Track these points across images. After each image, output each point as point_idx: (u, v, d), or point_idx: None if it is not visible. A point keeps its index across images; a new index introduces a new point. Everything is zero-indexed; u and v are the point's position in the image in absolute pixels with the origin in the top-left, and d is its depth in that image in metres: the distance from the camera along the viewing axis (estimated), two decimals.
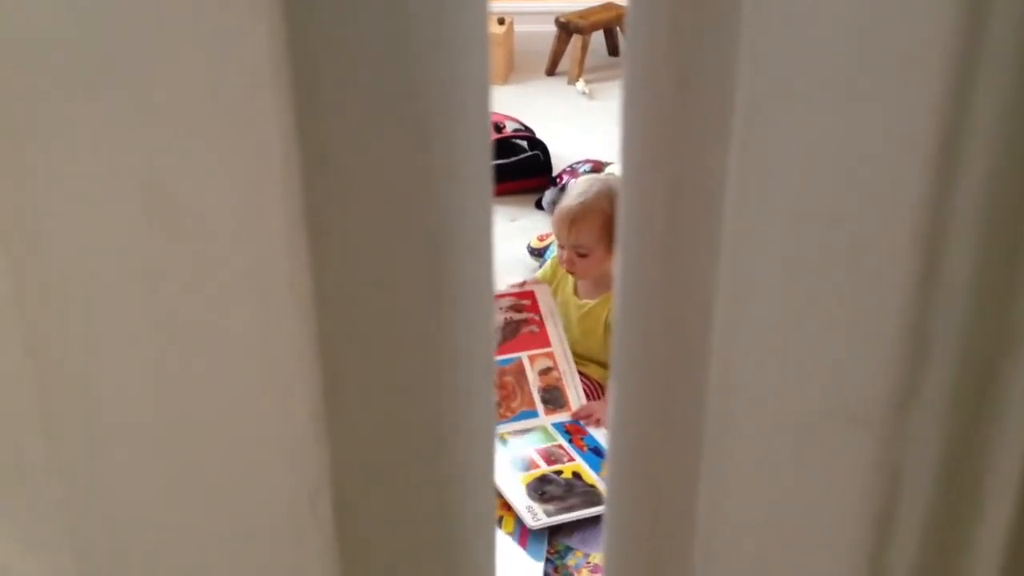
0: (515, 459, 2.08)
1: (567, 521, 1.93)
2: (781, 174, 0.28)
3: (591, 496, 1.99)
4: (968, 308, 0.25)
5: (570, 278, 2.35)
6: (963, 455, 0.26)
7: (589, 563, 1.90)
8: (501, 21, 4.42)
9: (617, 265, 0.34)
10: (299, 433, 0.33)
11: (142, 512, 0.39)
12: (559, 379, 2.27)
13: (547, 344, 2.30)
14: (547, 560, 1.89)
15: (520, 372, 2.25)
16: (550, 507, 1.95)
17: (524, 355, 2.27)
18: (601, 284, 2.28)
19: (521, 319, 2.32)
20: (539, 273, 2.51)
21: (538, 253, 3.03)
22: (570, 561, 1.92)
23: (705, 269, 0.30)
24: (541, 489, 2.00)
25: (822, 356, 0.27)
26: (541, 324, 2.32)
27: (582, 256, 2.21)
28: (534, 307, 2.34)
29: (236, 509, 0.36)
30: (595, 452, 2.13)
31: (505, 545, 1.89)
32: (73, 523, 0.42)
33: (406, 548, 0.36)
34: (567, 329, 2.34)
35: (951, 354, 0.25)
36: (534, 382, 2.25)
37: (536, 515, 1.93)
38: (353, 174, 0.32)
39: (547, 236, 3.02)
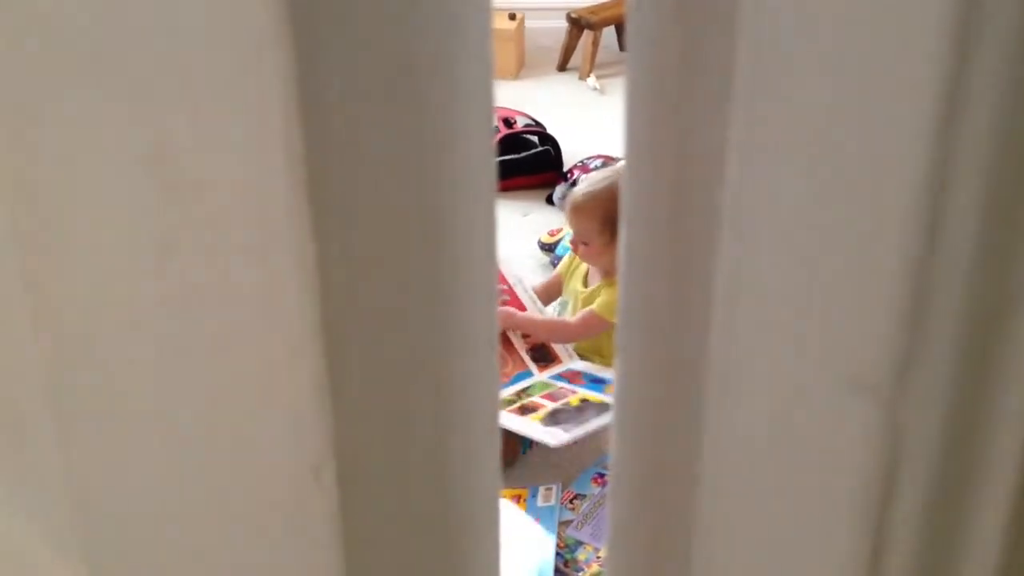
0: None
1: (591, 432, 1.94)
2: (782, 143, 0.28)
3: (604, 409, 2.01)
4: (970, 271, 0.24)
5: (580, 271, 2.40)
6: (966, 419, 0.26)
7: (599, 557, 1.90)
8: (512, 16, 4.42)
9: (622, 239, 0.34)
10: (302, 404, 0.33)
11: (145, 483, 0.40)
12: None
13: (522, 309, 2.35)
14: (557, 554, 1.89)
15: (506, 340, 2.30)
16: (568, 426, 1.97)
17: None
18: (608, 272, 2.32)
19: None
20: (559, 266, 2.55)
21: (549, 248, 3.03)
22: (580, 555, 1.92)
23: (709, 240, 0.30)
24: (554, 419, 2.02)
25: (825, 322, 0.27)
26: (511, 292, 2.37)
27: (584, 243, 2.26)
28: (500, 279, 2.38)
29: (239, 479, 0.36)
30: (594, 382, 2.15)
31: (518, 519, 1.90)
32: (78, 494, 0.42)
33: (409, 520, 0.36)
34: (575, 315, 2.37)
35: (953, 318, 0.25)
36: (520, 345, 2.28)
37: (556, 435, 1.94)
38: (356, 143, 0.32)
39: (558, 231, 3.03)
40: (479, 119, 0.35)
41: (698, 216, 0.31)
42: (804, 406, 0.28)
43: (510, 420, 2.00)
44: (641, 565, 0.37)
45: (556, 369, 2.25)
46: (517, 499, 1.98)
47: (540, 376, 2.22)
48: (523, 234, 3.10)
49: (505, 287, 2.37)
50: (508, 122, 3.52)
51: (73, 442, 0.41)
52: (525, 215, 3.27)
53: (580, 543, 1.92)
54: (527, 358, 2.26)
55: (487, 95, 0.35)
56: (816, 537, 0.29)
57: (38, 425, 0.42)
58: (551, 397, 2.13)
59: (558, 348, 2.28)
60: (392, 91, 0.32)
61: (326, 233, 0.32)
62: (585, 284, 2.38)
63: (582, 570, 1.87)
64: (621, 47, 4.67)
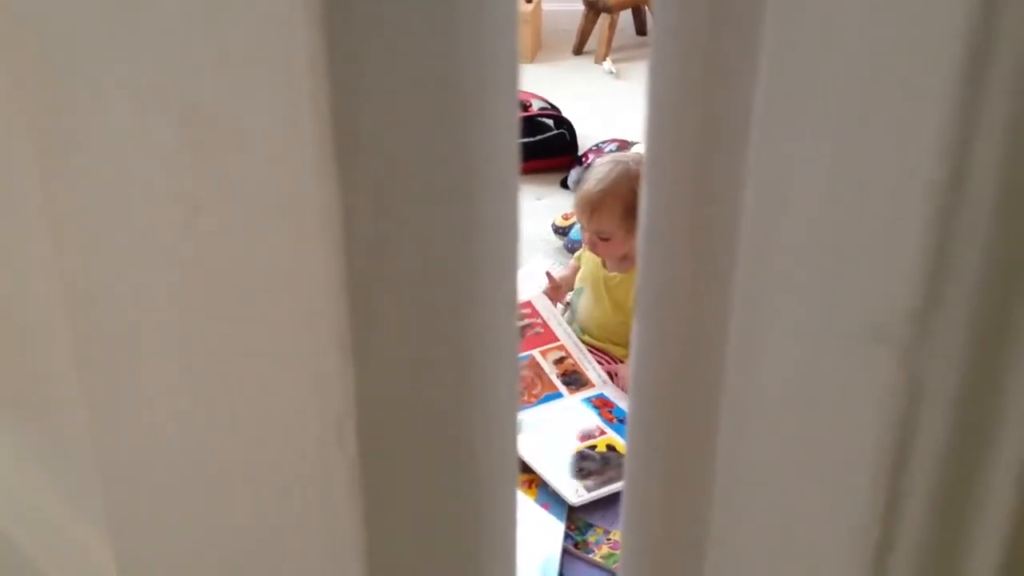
0: (550, 439, 2.09)
1: (610, 494, 1.93)
2: (809, 99, 0.28)
3: None
4: (991, 222, 0.25)
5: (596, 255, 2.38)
6: (983, 369, 0.27)
7: (609, 540, 1.90)
8: None
9: (644, 199, 0.34)
10: (326, 359, 0.33)
11: (167, 439, 0.40)
12: (575, 364, 2.28)
13: (555, 339, 2.33)
14: (567, 535, 1.90)
15: (535, 366, 2.26)
16: (589, 482, 1.96)
17: (535, 351, 2.29)
18: (629, 259, 2.29)
19: (524, 324, 2.34)
20: (577, 254, 2.54)
21: (563, 232, 3.02)
22: (591, 537, 1.92)
23: (733, 198, 0.30)
24: (578, 466, 2.01)
25: (846, 273, 0.27)
26: (545, 325, 2.35)
27: (604, 240, 2.23)
28: (534, 314, 2.37)
29: (262, 435, 0.37)
30: (624, 423, 2.13)
31: (527, 506, 1.90)
32: (101, 452, 0.42)
33: (429, 475, 0.37)
34: (598, 301, 2.35)
35: (973, 269, 0.25)
36: (551, 371, 2.26)
37: (578, 491, 1.94)
38: (383, 104, 0.32)
39: (572, 215, 3.02)
40: (506, 81, 0.35)
41: (721, 177, 0.31)
42: (823, 356, 0.28)
43: (535, 459, 1.99)
44: (657, 528, 0.37)
45: (588, 393, 2.23)
46: (529, 484, 1.98)
47: (571, 399, 2.21)
48: (537, 217, 3.09)
49: (539, 320, 2.36)
50: (523, 105, 3.51)
51: (97, 399, 0.41)
52: (539, 199, 3.27)
53: (591, 525, 1.93)
54: (558, 382, 2.25)
55: (512, 54, 0.35)
56: (833, 488, 0.29)
57: (63, 383, 0.42)
58: (578, 431, 2.11)
59: (591, 375, 2.26)
60: (422, 49, 0.32)
61: (354, 193, 0.32)
62: (605, 266, 2.36)
63: (592, 552, 1.87)
64: (638, 31, 4.65)
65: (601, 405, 2.20)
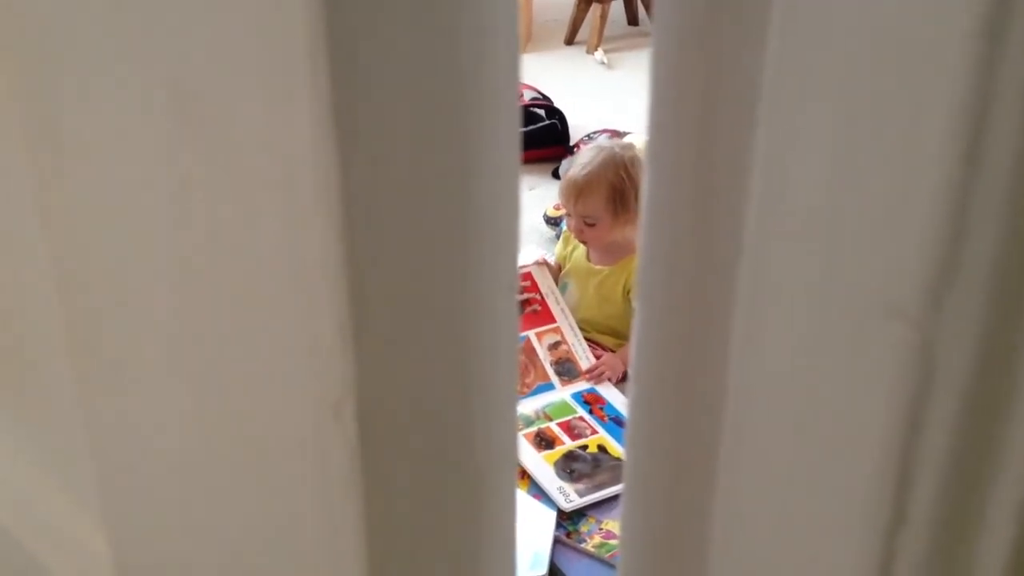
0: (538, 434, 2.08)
1: (600, 499, 1.93)
2: (817, 74, 0.27)
3: (619, 470, 1.98)
4: (1009, 193, 0.24)
5: (580, 250, 2.37)
6: (999, 345, 0.26)
7: (602, 529, 1.90)
8: None
9: (647, 177, 0.34)
10: (324, 342, 0.33)
11: (164, 424, 0.40)
12: (569, 351, 2.28)
13: (552, 320, 2.31)
14: (559, 525, 1.90)
15: (530, 350, 2.25)
16: (580, 486, 1.95)
17: (531, 333, 2.28)
18: (612, 251, 2.29)
19: (522, 299, 2.33)
20: (556, 248, 2.52)
21: (554, 222, 3.02)
22: (583, 527, 1.92)
23: (737, 174, 0.30)
24: (569, 467, 1.99)
25: (859, 245, 0.27)
26: (543, 302, 2.34)
27: (590, 225, 2.22)
28: (533, 287, 2.35)
29: (259, 419, 0.36)
30: (616, 422, 2.12)
31: (518, 496, 1.90)
32: (96, 439, 0.42)
33: (429, 459, 0.36)
34: (583, 296, 2.34)
35: (988, 241, 0.25)
36: (545, 357, 2.25)
37: (568, 496, 1.93)
38: (382, 79, 0.31)
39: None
40: (506, 58, 0.34)
41: (725, 153, 0.31)
42: (834, 333, 0.28)
43: (527, 456, 1.98)
44: (660, 510, 0.37)
45: (580, 387, 2.22)
46: (521, 475, 1.98)
47: (562, 392, 2.20)
48: (529, 208, 3.09)
49: (537, 296, 2.34)
50: None
51: (91, 385, 0.41)
52: (531, 189, 3.26)
53: (583, 515, 1.93)
54: (551, 371, 2.23)
55: (512, 41, 0.35)
56: (843, 465, 0.29)
57: (58, 371, 0.42)
58: (569, 429, 2.09)
59: (584, 364, 2.26)
60: (422, 28, 0.32)
61: (351, 169, 0.31)
62: (588, 259, 2.35)
63: (584, 541, 1.88)
64: (629, 21, 4.64)
65: (592, 401, 2.19)
